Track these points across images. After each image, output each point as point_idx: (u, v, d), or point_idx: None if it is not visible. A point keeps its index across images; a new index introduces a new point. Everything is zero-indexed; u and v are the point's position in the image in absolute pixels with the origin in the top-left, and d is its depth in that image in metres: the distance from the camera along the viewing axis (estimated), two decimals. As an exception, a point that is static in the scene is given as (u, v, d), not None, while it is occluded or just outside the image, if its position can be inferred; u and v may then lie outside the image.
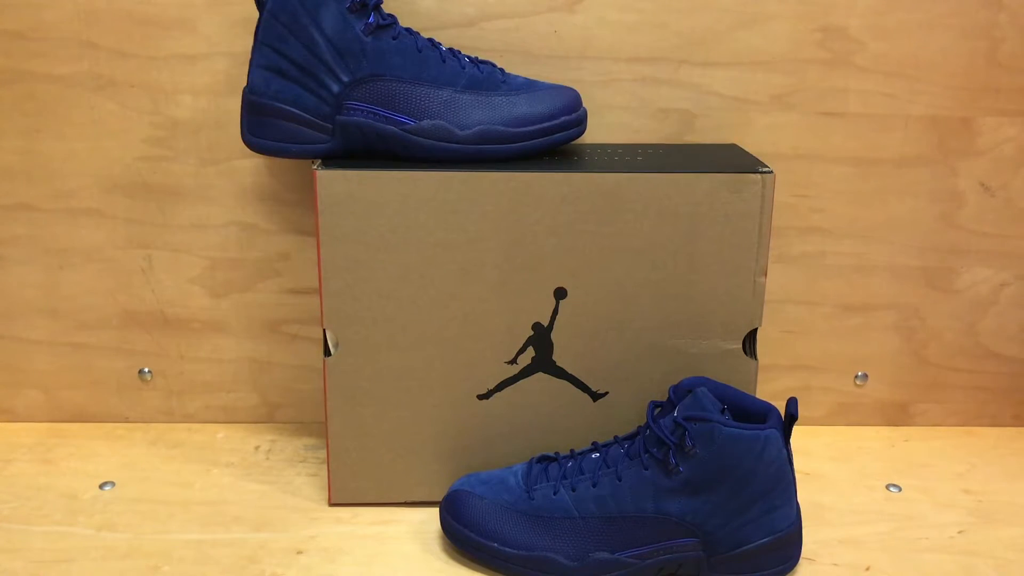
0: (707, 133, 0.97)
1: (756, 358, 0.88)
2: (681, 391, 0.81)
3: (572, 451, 0.86)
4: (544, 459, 0.86)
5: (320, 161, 0.84)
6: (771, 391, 1.04)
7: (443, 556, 0.85)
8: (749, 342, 0.88)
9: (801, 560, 0.83)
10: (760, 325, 0.88)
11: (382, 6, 0.85)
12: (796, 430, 0.87)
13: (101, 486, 0.93)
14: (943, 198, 1.00)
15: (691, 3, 0.93)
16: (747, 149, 0.95)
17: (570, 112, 0.87)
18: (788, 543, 0.81)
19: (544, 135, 0.86)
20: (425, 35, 0.88)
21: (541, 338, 0.87)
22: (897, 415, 1.08)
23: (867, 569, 0.84)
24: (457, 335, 0.87)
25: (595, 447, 0.85)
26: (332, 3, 0.82)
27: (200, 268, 1.00)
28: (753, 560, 0.80)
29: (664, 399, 0.83)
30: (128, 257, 1.00)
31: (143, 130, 0.96)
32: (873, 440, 1.05)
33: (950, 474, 0.99)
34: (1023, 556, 0.86)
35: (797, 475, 0.82)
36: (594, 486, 0.81)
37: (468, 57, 0.87)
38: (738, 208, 0.84)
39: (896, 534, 0.89)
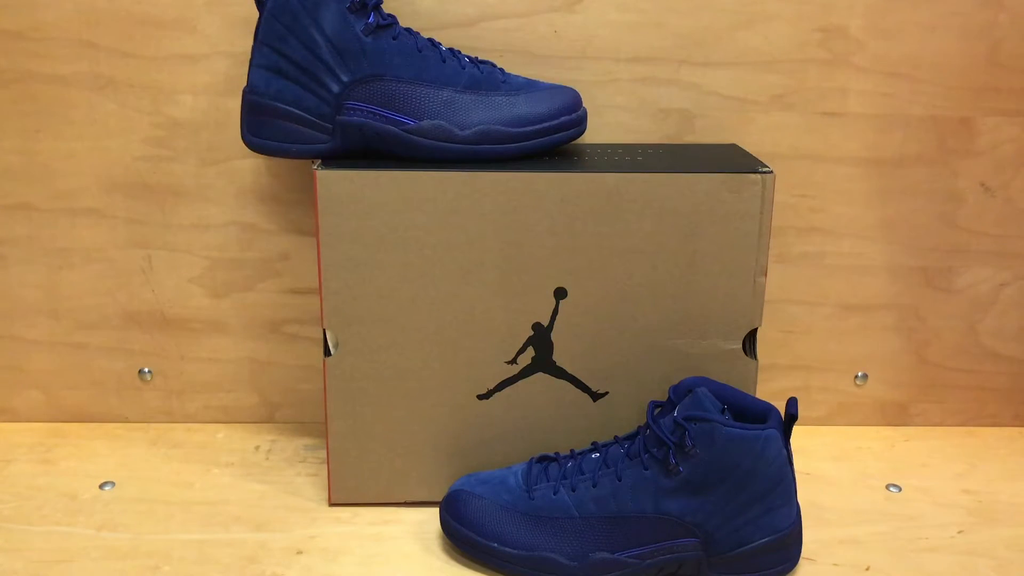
0: (707, 133, 0.97)
1: (756, 358, 0.88)
2: (681, 391, 0.81)
3: (572, 451, 0.86)
4: (544, 459, 0.86)
5: (320, 161, 0.84)
6: (771, 391, 1.04)
7: (443, 556, 0.85)
8: (749, 342, 0.88)
9: (801, 560, 0.83)
10: (760, 325, 0.88)
11: (382, 6, 0.85)
12: (796, 430, 0.87)
13: (101, 486, 0.94)
14: (943, 198, 1.00)
15: (691, 3, 0.93)
16: (747, 149, 0.95)
17: (570, 112, 0.87)
18: (788, 543, 0.81)
19: (544, 135, 0.86)
20: (425, 35, 0.88)
21: (541, 338, 0.87)
22: (897, 415, 1.08)
23: (867, 569, 0.84)
24: (457, 335, 0.87)
25: (595, 447, 0.85)
26: (332, 3, 0.82)
27: (200, 268, 1.00)
28: (753, 560, 0.80)
29: (664, 399, 0.83)
30: (128, 257, 1.00)
31: (143, 130, 0.96)
32: (873, 440, 1.05)
33: (950, 474, 0.99)
34: (1023, 556, 0.86)
35: (797, 475, 0.82)
36: (594, 486, 0.81)
37: (468, 57, 0.87)
38: (738, 208, 0.84)
39: (896, 534, 0.89)
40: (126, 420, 1.06)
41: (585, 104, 0.89)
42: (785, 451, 0.79)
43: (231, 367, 1.04)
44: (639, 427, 0.83)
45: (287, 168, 0.97)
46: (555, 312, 0.86)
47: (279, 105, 0.84)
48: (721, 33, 0.94)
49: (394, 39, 0.84)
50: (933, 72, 0.96)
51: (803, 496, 0.88)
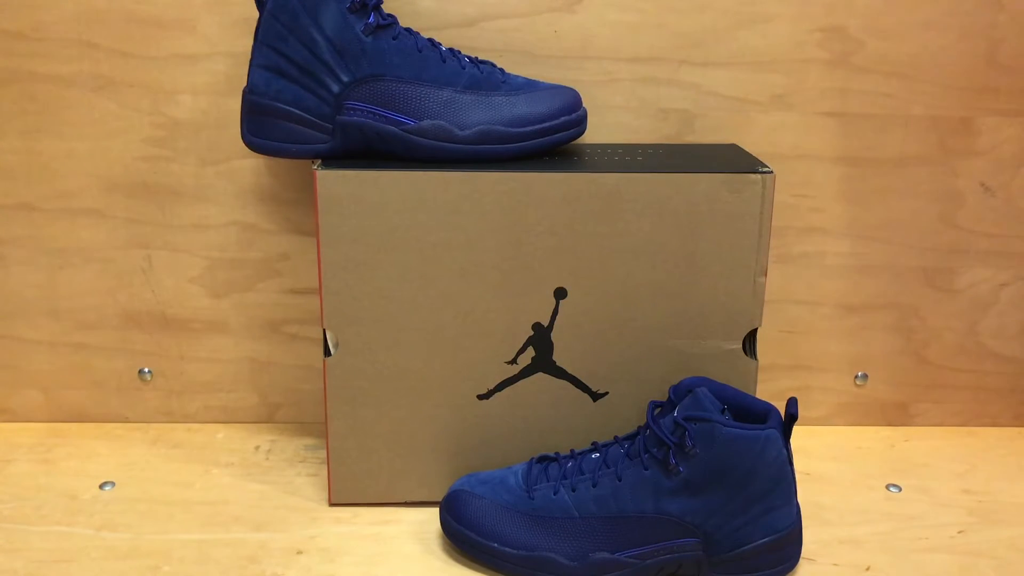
0: (707, 133, 0.97)
1: (756, 358, 0.88)
2: (681, 391, 0.81)
3: (572, 451, 0.86)
4: (544, 459, 0.86)
5: (320, 161, 0.84)
6: (771, 391, 1.04)
7: (443, 556, 0.85)
8: (749, 342, 0.88)
9: (801, 560, 0.83)
10: (760, 325, 0.88)
11: (382, 6, 0.85)
12: (796, 430, 0.87)
13: (101, 486, 0.93)
14: (943, 198, 1.00)
15: (691, 3, 0.93)
16: (747, 149, 0.95)
17: (570, 112, 0.87)
18: (788, 543, 0.81)
19: (544, 135, 0.86)
20: (425, 35, 0.88)
21: (541, 338, 0.87)
22: (897, 415, 1.08)
23: (867, 569, 0.84)
24: (457, 335, 0.87)
25: (595, 447, 0.85)
26: (332, 3, 0.82)
27: (200, 268, 1.00)
28: (753, 560, 0.80)
29: (664, 399, 0.83)
30: (128, 257, 1.00)
31: (143, 130, 0.96)
32: (873, 440, 1.05)
33: (950, 474, 0.99)
34: (1023, 556, 0.86)
35: (797, 475, 0.82)
36: (594, 486, 0.81)
37: (468, 57, 0.87)
38: (738, 208, 0.84)
39: (896, 534, 0.89)
40: (126, 420, 1.06)
41: (585, 104, 0.89)
42: (785, 451, 0.79)
43: (231, 367, 1.04)
44: (639, 427, 0.83)
45: (287, 168, 0.97)
46: (555, 312, 0.86)
47: (279, 105, 0.84)
48: (721, 33, 0.94)
49: (394, 39, 0.84)
50: (933, 72, 0.96)
51: (803, 496, 0.88)
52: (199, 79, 0.95)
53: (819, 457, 1.01)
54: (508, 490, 0.84)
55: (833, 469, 0.99)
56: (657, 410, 0.83)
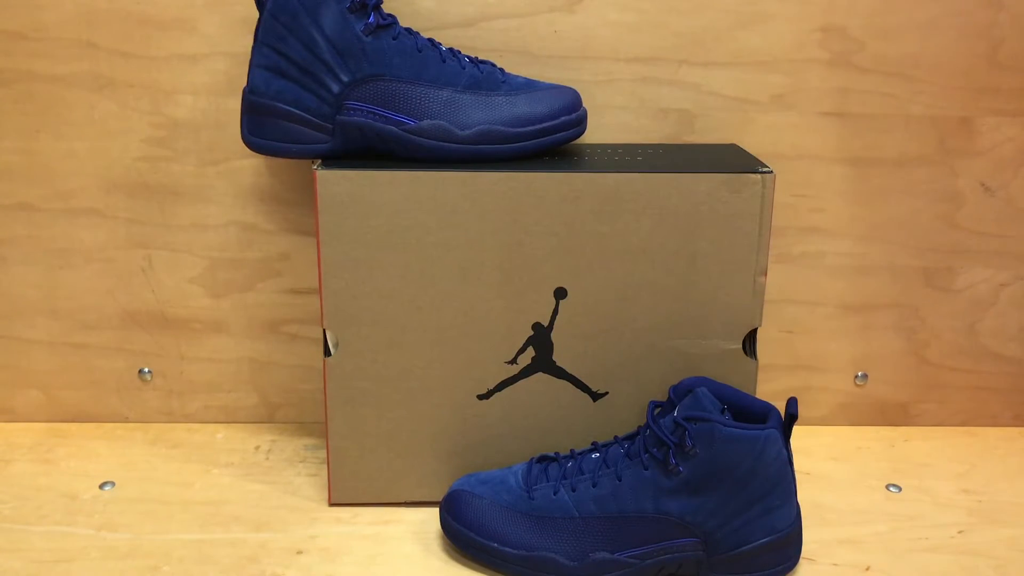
0: (707, 133, 0.97)
1: (756, 358, 0.88)
2: (681, 391, 0.81)
3: (572, 451, 0.86)
4: (544, 459, 0.86)
5: (320, 161, 0.84)
6: (771, 391, 1.04)
7: (443, 556, 0.85)
8: (749, 342, 0.88)
9: (801, 560, 0.84)
10: (760, 325, 0.88)
11: (382, 6, 0.85)
12: (796, 430, 0.87)
13: (101, 486, 0.94)
14: (943, 198, 1.00)
15: (691, 3, 0.93)
16: (747, 149, 0.95)
17: (570, 112, 0.87)
18: (788, 543, 0.81)
19: (544, 135, 0.86)
20: (425, 35, 0.88)
21: (541, 338, 0.87)
22: (897, 415, 1.08)
23: (867, 569, 0.84)
24: (457, 335, 0.87)
25: (595, 447, 0.85)
26: (332, 3, 0.82)
27: (200, 268, 1.01)
28: (753, 560, 0.80)
29: (664, 399, 0.83)
30: (128, 257, 1.00)
31: (143, 130, 0.96)
32: (873, 440, 1.05)
33: (950, 474, 0.99)
34: (1023, 556, 0.86)
35: (797, 475, 0.82)
36: (594, 486, 0.81)
37: (468, 57, 0.87)
38: (738, 208, 0.84)
39: (896, 534, 0.89)
40: (126, 420, 1.06)
41: (585, 104, 0.89)
42: (785, 451, 0.79)
43: (231, 367, 1.04)
44: (639, 427, 0.83)
45: (287, 168, 0.97)
46: (555, 312, 0.86)
47: (279, 105, 0.84)
48: (721, 33, 0.94)
49: (394, 39, 0.84)
50: (933, 72, 0.96)
51: (803, 496, 0.88)
52: (199, 79, 0.95)
53: (819, 457, 1.01)
54: (508, 490, 0.84)
55: (833, 469, 0.99)
56: (657, 410, 0.83)
